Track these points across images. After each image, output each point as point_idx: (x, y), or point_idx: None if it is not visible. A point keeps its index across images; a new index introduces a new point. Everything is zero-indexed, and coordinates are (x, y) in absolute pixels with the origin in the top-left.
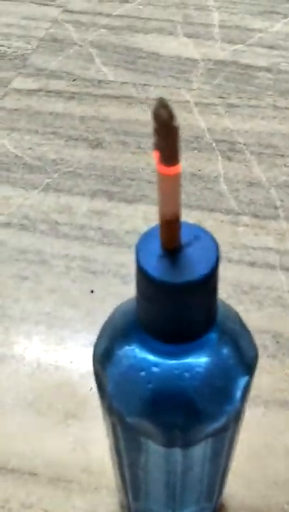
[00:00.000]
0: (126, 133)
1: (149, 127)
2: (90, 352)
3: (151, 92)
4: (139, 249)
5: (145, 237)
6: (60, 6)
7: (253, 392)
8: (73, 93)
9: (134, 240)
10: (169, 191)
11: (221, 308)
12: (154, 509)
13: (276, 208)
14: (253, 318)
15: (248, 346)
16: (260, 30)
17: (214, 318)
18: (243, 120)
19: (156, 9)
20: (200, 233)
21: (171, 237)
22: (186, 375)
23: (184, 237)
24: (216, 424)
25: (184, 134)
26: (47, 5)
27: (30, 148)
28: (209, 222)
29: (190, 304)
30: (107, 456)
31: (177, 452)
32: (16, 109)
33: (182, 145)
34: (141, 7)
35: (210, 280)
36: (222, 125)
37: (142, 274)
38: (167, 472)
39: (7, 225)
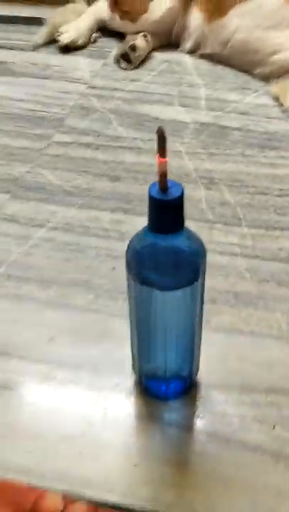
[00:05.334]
0: (136, 171)
1: (153, 168)
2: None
3: (154, 145)
4: (150, 189)
5: (153, 185)
6: (86, 83)
7: None
8: (98, 145)
9: None
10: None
11: (188, 228)
12: (155, 367)
13: (239, 219)
14: None
15: (201, 244)
16: (235, 101)
17: (183, 221)
18: (220, 163)
19: (158, 86)
20: (176, 184)
21: (163, 183)
22: (172, 250)
23: (169, 184)
24: (185, 280)
25: (176, 173)
26: (76, 82)
27: (68, 181)
28: (195, 228)
29: (173, 211)
30: None
31: (165, 295)
32: (57, 155)
33: (175, 179)
34: (147, 84)
35: (180, 200)
36: (204, 167)
37: (151, 198)
38: (159, 315)
39: (54, 229)
